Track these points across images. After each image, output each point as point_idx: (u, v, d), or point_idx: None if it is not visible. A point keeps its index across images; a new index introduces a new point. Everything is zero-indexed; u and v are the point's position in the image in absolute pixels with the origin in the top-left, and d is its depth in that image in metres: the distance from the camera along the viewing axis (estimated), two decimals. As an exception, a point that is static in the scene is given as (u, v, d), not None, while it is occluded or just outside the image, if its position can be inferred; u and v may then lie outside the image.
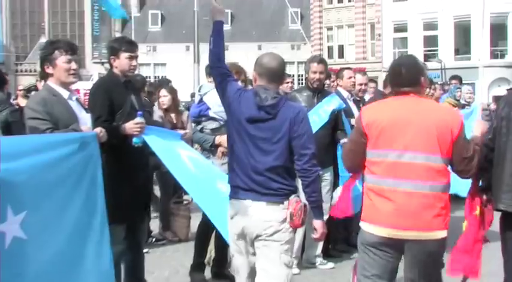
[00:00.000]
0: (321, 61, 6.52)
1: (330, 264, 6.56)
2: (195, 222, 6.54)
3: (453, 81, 11.88)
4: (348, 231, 7.15)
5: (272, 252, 3.77)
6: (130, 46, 4.90)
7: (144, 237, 6.22)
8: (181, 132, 5.69)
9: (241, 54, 47.30)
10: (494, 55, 38.20)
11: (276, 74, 3.93)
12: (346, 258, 6.85)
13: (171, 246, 7.52)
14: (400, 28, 41.11)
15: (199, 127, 6.00)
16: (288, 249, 3.81)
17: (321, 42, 45.85)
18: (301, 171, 3.79)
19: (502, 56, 38.46)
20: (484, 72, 37.19)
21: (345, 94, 7.10)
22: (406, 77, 3.75)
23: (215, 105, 5.72)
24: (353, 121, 6.71)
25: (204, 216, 5.48)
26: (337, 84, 7.26)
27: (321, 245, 6.47)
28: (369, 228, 3.74)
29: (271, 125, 3.80)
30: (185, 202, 7.96)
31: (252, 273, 3.91)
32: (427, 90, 8.09)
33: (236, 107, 3.90)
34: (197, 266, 5.94)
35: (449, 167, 3.73)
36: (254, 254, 3.87)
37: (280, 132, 3.78)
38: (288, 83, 7.85)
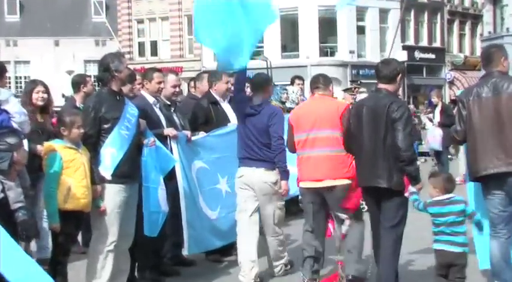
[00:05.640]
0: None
1: None
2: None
3: (297, 81, 11.91)
4: (159, 257, 7.06)
5: (267, 200, 6.91)
6: None
7: None
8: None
9: (35, 51, 44.43)
10: (323, 52, 38.13)
11: (258, 87, 7.02)
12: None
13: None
14: (221, 21, 40.58)
15: None
16: (277, 197, 6.93)
17: (131, 37, 44.76)
18: (273, 147, 6.75)
19: (332, 54, 38.32)
20: (313, 71, 37.40)
21: (151, 100, 7.01)
22: (320, 83, 6.78)
23: (21, 115, 5.72)
24: (166, 131, 6.82)
25: None
26: (143, 87, 7.19)
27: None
28: (300, 184, 6.67)
29: (258, 118, 6.81)
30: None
31: (250, 211, 6.90)
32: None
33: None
34: None
35: None
36: (251, 200, 6.90)
37: (263, 123, 6.77)
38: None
